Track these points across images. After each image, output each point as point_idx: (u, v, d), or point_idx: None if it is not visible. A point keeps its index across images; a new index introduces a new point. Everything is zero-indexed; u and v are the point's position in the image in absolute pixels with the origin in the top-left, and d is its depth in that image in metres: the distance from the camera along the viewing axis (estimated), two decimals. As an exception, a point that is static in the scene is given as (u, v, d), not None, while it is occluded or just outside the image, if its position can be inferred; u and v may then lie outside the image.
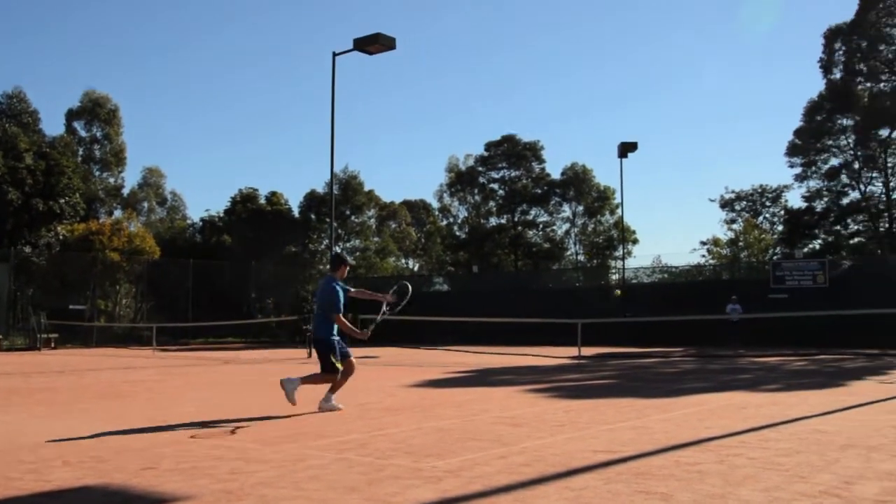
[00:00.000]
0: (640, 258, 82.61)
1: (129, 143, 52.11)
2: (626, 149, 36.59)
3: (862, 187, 41.78)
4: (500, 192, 51.57)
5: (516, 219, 51.38)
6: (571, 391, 11.55)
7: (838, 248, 41.08)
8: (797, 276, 29.21)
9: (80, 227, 36.87)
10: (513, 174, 51.09)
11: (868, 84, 40.00)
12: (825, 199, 42.71)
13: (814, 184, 43.18)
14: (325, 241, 45.05)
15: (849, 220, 42.17)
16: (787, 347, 25.21)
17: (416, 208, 59.43)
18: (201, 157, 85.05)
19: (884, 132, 40.21)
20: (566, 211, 51.31)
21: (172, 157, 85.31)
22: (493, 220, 52.28)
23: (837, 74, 39.99)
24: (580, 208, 50.74)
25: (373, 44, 23.86)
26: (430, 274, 50.97)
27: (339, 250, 42.50)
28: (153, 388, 12.20)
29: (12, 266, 32.38)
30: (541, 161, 50.91)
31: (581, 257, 51.45)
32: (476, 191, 52.14)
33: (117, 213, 49.69)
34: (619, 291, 34.60)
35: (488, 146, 51.16)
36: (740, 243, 47.06)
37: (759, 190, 48.36)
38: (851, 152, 41.75)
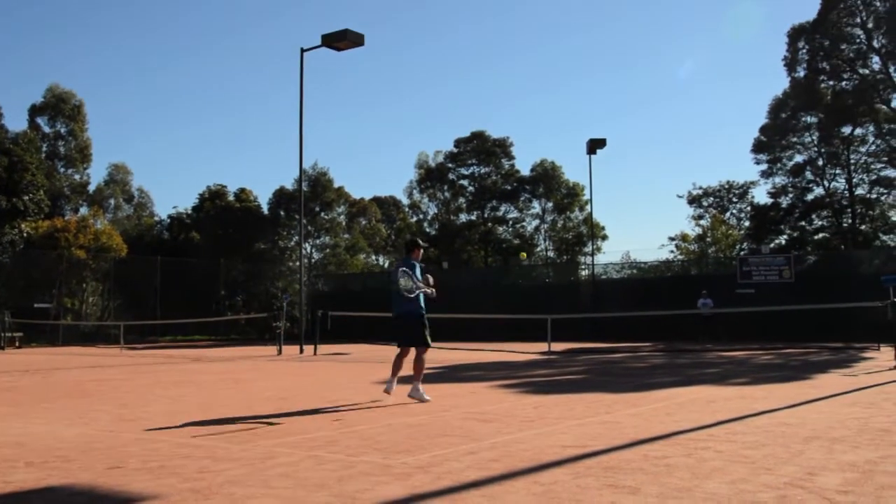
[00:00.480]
0: (610, 254, 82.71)
1: (95, 140, 51.51)
2: (594, 145, 36.85)
3: (826, 183, 42.41)
4: (470, 188, 51.67)
5: (486, 215, 51.50)
6: (541, 386, 11.60)
7: (803, 243, 41.68)
8: (763, 271, 29.63)
9: (44, 224, 36.34)
10: (482, 171, 51.20)
11: (831, 82, 40.58)
12: (790, 195, 43.30)
13: (779, 180, 43.78)
14: (295, 237, 44.89)
15: (813, 216, 42.77)
16: (754, 341, 25.56)
17: (386, 205, 59.30)
18: (169, 154, 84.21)
19: (846, 129, 40.87)
20: (536, 207, 51.58)
21: (139, 153, 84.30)
22: (462, 217, 52.35)
23: (801, 73, 40.54)
24: (549, 205, 50.97)
25: (341, 40, 23.80)
26: (401, 270, 50.82)
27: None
28: (120, 387, 12.05)
29: (-25, 264, 31.84)
30: (510, 158, 51.11)
31: (551, 253, 51.69)
32: (446, 187, 52.19)
33: (83, 211, 48.99)
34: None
35: (458, 143, 51.22)
36: (708, 239, 47.56)
37: (727, 186, 48.89)
38: (815, 149, 42.36)
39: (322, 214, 48.07)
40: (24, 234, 36.11)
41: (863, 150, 41.63)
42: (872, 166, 41.65)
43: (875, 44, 38.14)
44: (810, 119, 41.69)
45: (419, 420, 7.69)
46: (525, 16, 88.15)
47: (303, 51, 24.90)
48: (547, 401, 9.39)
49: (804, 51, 40.22)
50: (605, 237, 50.75)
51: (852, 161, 41.53)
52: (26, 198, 36.99)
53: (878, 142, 41.21)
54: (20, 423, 7.91)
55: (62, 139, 49.13)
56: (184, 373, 15.62)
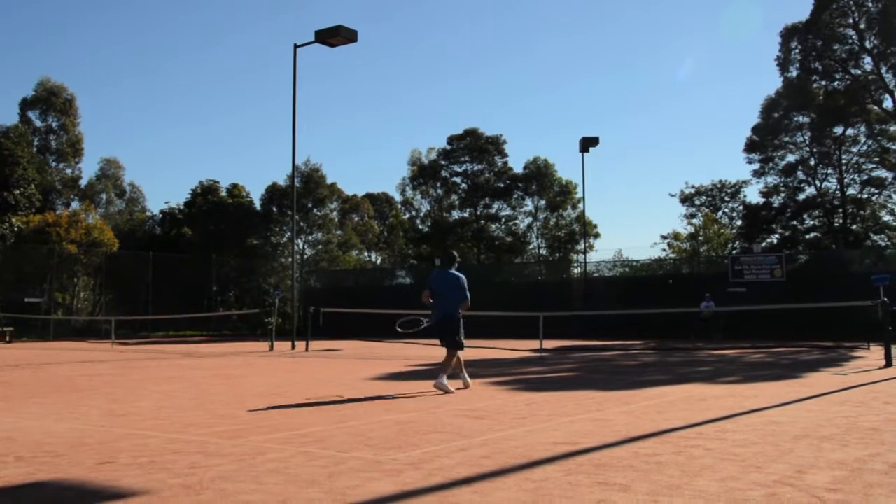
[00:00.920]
0: (602, 252, 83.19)
1: (87, 134, 51.34)
2: (587, 143, 36.93)
3: (818, 183, 42.61)
4: (463, 185, 51.65)
5: (479, 212, 51.49)
6: (533, 384, 11.62)
7: (795, 242, 41.86)
8: (755, 270, 29.73)
9: (35, 218, 36.19)
10: (475, 168, 51.19)
11: (823, 82, 40.74)
12: (782, 194, 43.48)
13: (771, 180, 43.99)
14: (287, 233, 44.81)
15: (805, 216, 42.97)
16: (745, 340, 25.64)
17: (379, 201, 59.28)
18: (161, 149, 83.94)
19: (838, 129, 41.05)
20: (528, 205, 51.59)
21: (131, 148, 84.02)
22: (455, 214, 52.34)
23: (794, 72, 40.68)
24: (542, 202, 51.01)
25: (334, 36, 23.75)
26: (393, 267, 50.93)
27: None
28: (111, 382, 12.02)
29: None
30: (503, 155, 51.10)
31: (543, 251, 51.76)
32: (439, 184, 52.15)
33: (74, 205, 48.75)
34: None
35: (451, 140, 51.18)
36: (700, 238, 47.73)
37: (719, 185, 49.08)
38: (807, 149, 42.55)
39: (314, 211, 48.01)
40: (15, 229, 35.96)
41: (854, 150, 41.84)
42: (864, 166, 41.87)
43: (867, 44, 38.29)
44: (802, 119, 41.86)
45: (410, 417, 7.69)
46: (519, 14, 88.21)
47: (296, 47, 24.86)
48: (538, 398, 9.40)
49: (797, 51, 40.37)
50: (597, 235, 50.89)
51: (844, 161, 41.72)
52: (17, 192, 36.84)
53: (870, 142, 41.42)
54: (10, 417, 7.88)
55: (54, 133, 48.89)
56: (175, 368, 15.59)
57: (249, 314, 35.93)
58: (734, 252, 41.43)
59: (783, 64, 40.84)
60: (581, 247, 46.11)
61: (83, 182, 52.54)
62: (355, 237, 51.08)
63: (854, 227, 41.88)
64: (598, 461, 5.27)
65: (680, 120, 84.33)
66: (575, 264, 44.76)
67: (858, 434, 6.43)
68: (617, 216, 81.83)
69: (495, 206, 51.63)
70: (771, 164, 43.58)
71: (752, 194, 61.41)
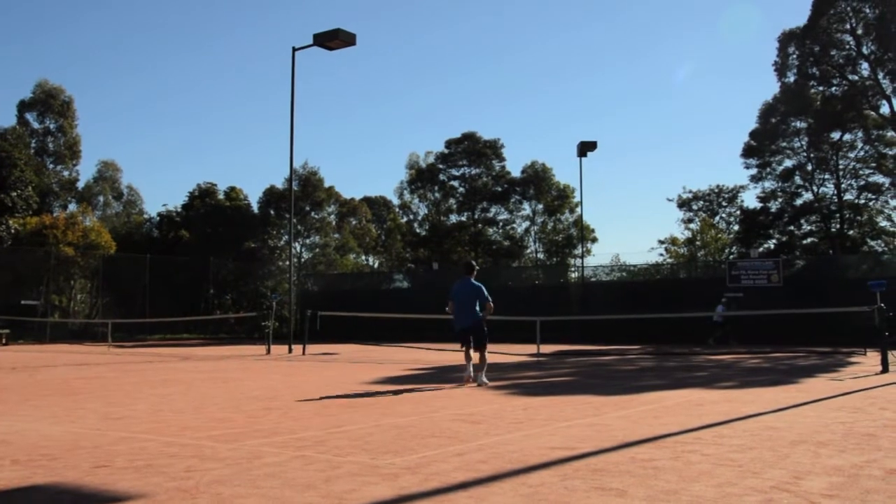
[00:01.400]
0: (599, 256, 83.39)
1: (84, 136, 51.28)
2: (585, 148, 36.95)
3: (815, 188, 42.69)
4: (461, 189, 51.70)
5: (476, 216, 51.54)
6: (530, 388, 11.61)
7: (792, 247, 41.91)
8: (752, 275, 29.72)
9: (32, 220, 36.14)
10: (473, 172, 51.24)
11: (820, 88, 40.81)
12: (779, 199, 43.55)
13: (768, 185, 44.06)
14: (285, 237, 44.81)
15: (802, 221, 43.04)
16: (742, 345, 25.66)
17: (377, 205, 59.26)
18: (159, 152, 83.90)
19: (835, 135, 41.14)
20: (526, 209, 51.67)
21: (129, 150, 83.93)
22: (453, 218, 52.37)
23: (791, 78, 40.76)
24: (540, 206, 51.06)
25: (333, 39, 23.77)
26: (391, 271, 50.90)
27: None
28: (108, 385, 12.00)
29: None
30: (501, 159, 51.17)
31: (541, 255, 51.77)
32: (436, 188, 52.18)
33: (72, 207, 48.74)
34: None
35: (449, 144, 51.24)
36: (697, 242, 47.79)
37: (716, 190, 49.13)
38: (804, 154, 42.62)
39: (312, 214, 47.98)
40: (12, 231, 35.91)
41: (851, 155, 41.93)
42: (861, 172, 41.95)
43: (864, 50, 38.37)
44: (800, 124, 41.94)
45: (408, 421, 7.68)
46: (517, 17, 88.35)
47: (294, 50, 24.87)
48: (535, 403, 9.40)
49: (794, 56, 40.45)
50: (594, 240, 50.93)
51: (841, 166, 41.80)
52: (14, 194, 36.80)
53: (867, 148, 41.51)
54: (6, 420, 7.86)
55: (51, 135, 48.90)
56: (172, 371, 15.57)
57: (246, 317, 35.87)
58: (731, 257, 41.47)
59: (781, 69, 40.94)
60: (578, 251, 46.15)
61: (80, 184, 52.59)
62: (353, 241, 51.07)
63: (851, 232, 41.94)
64: (594, 466, 5.26)
65: (678, 124, 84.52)
66: (572, 269, 44.80)
67: (855, 440, 6.43)
68: (614, 221, 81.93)
69: (493, 210, 51.71)
70: (768, 170, 43.67)
71: (750, 199, 61.62)
